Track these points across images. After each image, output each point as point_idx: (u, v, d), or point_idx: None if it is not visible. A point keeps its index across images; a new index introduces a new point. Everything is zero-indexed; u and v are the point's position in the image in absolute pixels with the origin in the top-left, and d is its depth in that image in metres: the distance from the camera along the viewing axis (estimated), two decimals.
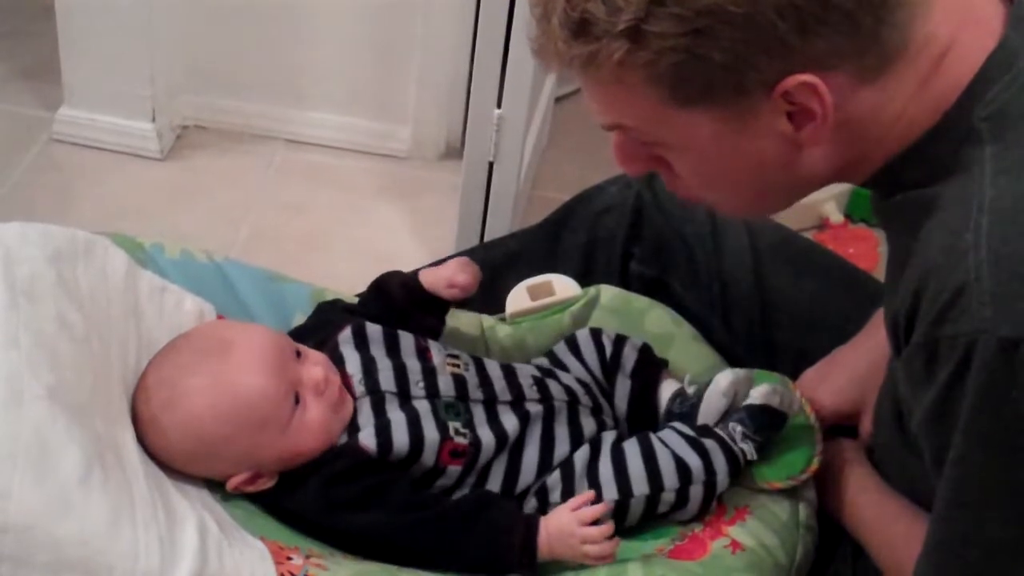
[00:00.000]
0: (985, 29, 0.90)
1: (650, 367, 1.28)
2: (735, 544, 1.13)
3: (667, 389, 1.27)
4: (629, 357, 1.28)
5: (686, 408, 1.22)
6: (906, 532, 1.04)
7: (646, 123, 0.92)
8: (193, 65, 2.42)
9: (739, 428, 1.17)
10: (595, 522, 1.10)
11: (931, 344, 0.87)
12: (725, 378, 1.20)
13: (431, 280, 1.27)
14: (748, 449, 1.17)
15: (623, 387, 1.27)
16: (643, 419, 1.26)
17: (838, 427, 1.24)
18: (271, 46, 2.41)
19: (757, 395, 1.18)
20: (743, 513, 1.17)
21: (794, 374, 1.27)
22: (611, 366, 1.28)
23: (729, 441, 1.17)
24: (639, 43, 0.84)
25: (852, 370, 1.24)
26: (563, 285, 1.40)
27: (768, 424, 1.17)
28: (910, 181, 0.94)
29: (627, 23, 0.84)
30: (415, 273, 1.28)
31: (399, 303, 1.27)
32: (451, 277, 1.26)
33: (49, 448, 0.96)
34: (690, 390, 1.24)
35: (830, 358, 1.27)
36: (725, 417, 1.19)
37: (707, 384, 1.21)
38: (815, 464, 1.19)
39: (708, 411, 1.20)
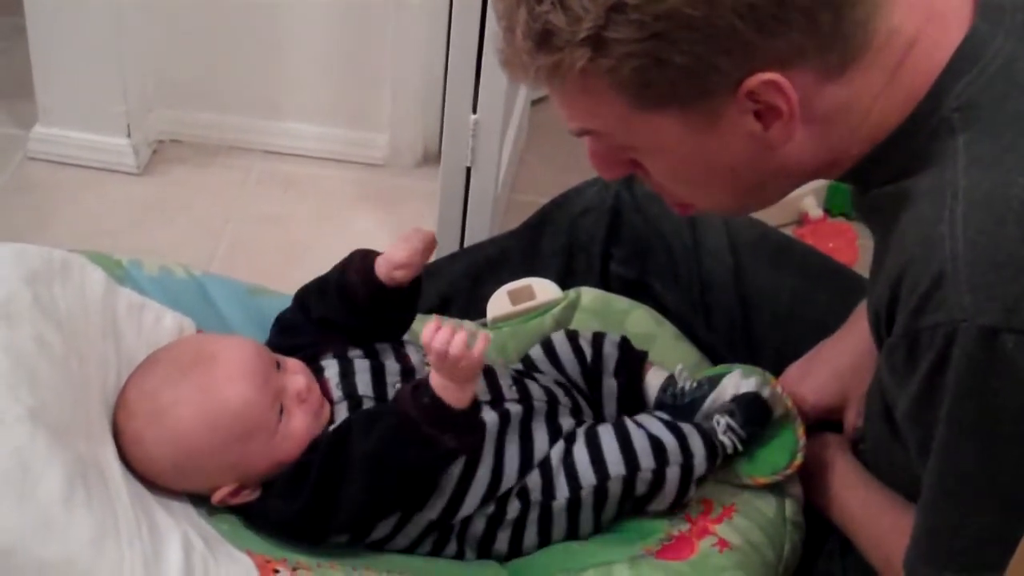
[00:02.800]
0: (952, 21, 0.90)
1: (632, 362, 1.28)
2: (722, 542, 1.13)
3: (654, 378, 1.27)
4: (610, 356, 1.27)
5: (683, 403, 1.22)
6: (893, 524, 1.05)
7: (615, 129, 0.93)
8: (167, 79, 2.42)
9: (723, 420, 1.17)
10: None
11: (912, 335, 0.87)
12: (731, 383, 1.20)
13: (385, 272, 1.19)
14: (728, 442, 1.17)
15: (609, 386, 1.27)
16: (633, 414, 1.26)
17: (824, 422, 1.25)
18: (245, 58, 2.41)
19: (749, 384, 1.19)
20: (729, 511, 1.17)
21: (776, 370, 1.27)
22: (593, 368, 1.27)
23: (709, 433, 1.17)
24: (601, 50, 0.85)
25: (835, 364, 1.24)
26: (543, 288, 1.40)
27: (755, 417, 1.18)
28: (886, 175, 0.94)
29: (588, 31, 0.84)
30: (371, 270, 1.21)
31: (364, 308, 1.21)
32: (391, 259, 1.19)
33: (30, 469, 0.96)
34: (683, 382, 1.24)
35: (812, 353, 1.27)
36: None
37: (711, 381, 1.21)
38: (799, 459, 1.19)
39: (712, 411, 1.20)
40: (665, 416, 1.18)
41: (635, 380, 1.27)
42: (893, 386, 0.95)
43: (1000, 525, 0.88)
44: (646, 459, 1.14)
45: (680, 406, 1.22)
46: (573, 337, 1.29)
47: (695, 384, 1.23)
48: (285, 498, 1.10)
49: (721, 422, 1.17)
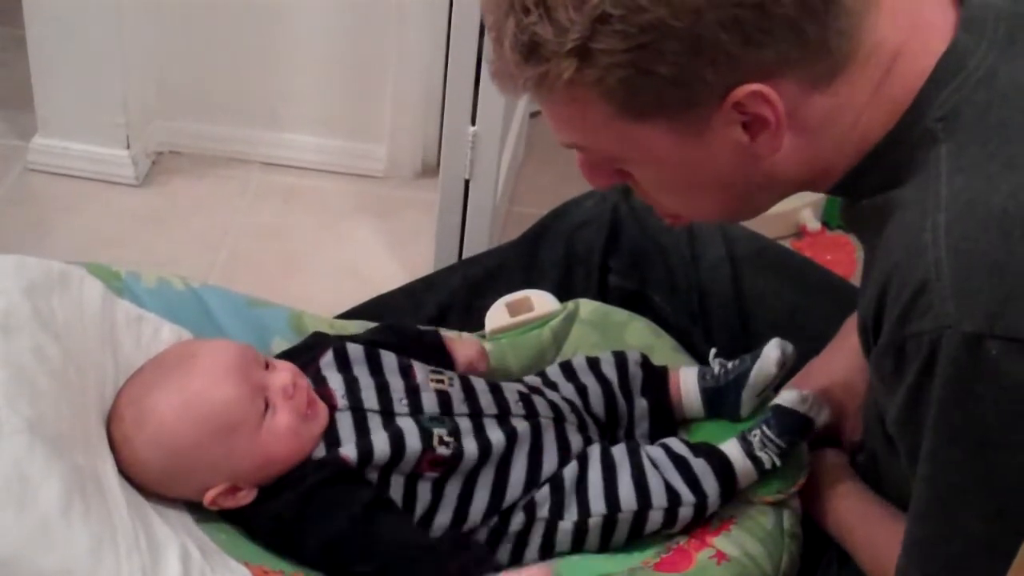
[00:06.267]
0: (936, 33, 0.91)
1: (657, 379, 1.29)
2: (720, 555, 1.13)
3: (686, 377, 1.28)
4: (636, 376, 1.29)
5: (730, 379, 1.25)
6: (890, 535, 1.04)
7: (604, 139, 0.93)
8: (166, 91, 2.42)
9: (758, 434, 1.18)
10: None
11: (898, 343, 0.88)
12: (774, 350, 1.22)
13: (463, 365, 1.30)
14: (766, 458, 1.17)
15: (640, 406, 1.28)
16: (664, 429, 1.28)
17: (821, 438, 1.25)
18: (244, 69, 2.41)
19: (786, 399, 1.19)
20: (728, 523, 1.17)
21: None
22: (623, 390, 1.28)
23: (741, 453, 1.17)
24: (587, 61, 0.85)
25: (828, 381, 1.24)
26: (542, 300, 1.41)
27: (794, 428, 1.18)
28: (872, 186, 0.95)
29: (574, 42, 0.85)
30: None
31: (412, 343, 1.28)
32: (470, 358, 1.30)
33: (29, 481, 0.96)
34: (719, 367, 1.26)
35: (804, 372, 1.28)
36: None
37: (752, 355, 1.24)
38: (803, 477, 1.19)
39: (758, 382, 1.23)
40: (681, 450, 1.19)
41: (663, 397, 1.28)
42: (882, 395, 0.95)
43: (991, 533, 0.88)
44: (659, 499, 1.15)
45: (725, 385, 1.24)
46: (595, 364, 1.30)
47: (736, 361, 1.25)
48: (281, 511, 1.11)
49: (757, 435, 1.18)
